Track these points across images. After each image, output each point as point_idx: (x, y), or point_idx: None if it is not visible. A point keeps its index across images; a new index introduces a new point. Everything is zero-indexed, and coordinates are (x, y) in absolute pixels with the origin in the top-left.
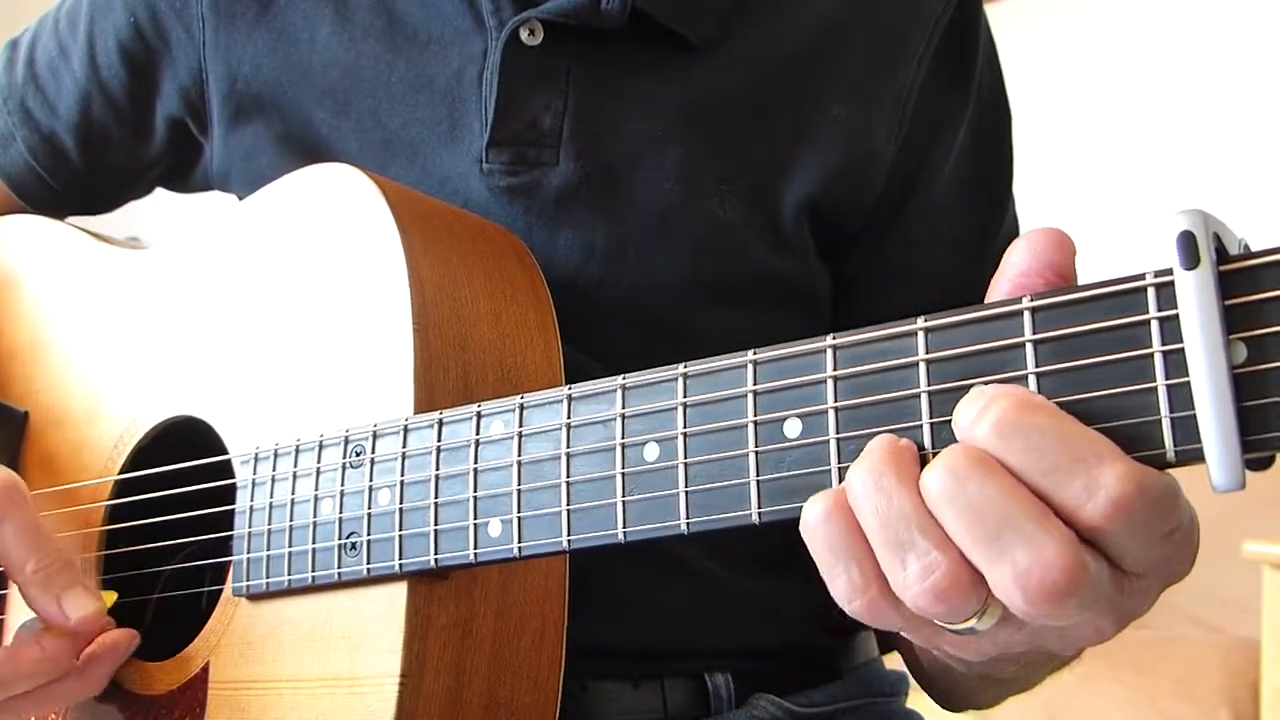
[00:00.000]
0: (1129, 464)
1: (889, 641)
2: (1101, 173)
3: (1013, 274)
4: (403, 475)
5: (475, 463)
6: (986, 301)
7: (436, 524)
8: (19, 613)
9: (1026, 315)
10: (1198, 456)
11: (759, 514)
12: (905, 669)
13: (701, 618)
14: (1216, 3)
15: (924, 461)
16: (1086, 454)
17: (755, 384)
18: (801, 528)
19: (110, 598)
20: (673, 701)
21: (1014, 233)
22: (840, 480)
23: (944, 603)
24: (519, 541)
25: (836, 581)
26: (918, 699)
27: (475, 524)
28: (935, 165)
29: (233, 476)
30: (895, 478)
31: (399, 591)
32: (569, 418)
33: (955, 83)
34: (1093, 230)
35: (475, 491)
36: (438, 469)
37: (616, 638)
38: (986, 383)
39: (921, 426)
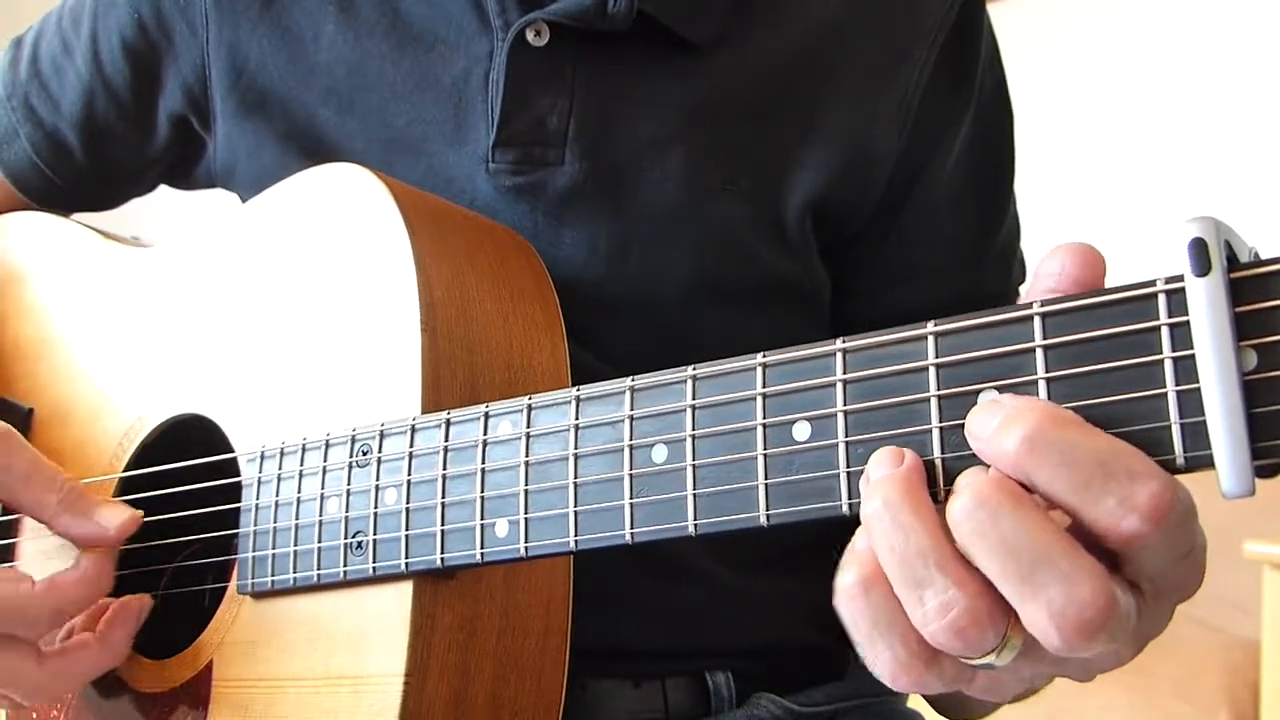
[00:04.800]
0: (1161, 481)
1: None
2: (1104, 174)
3: (1047, 285)
4: (409, 475)
5: (483, 463)
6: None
7: (443, 524)
8: (32, 536)
9: (1037, 320)
10: (1207, 463)
11: (767, 517)
12: None
13: (702, 617)
14: (1220, 2)
15: (930, 468)
16: (1119, 470)
17: (764, 386)
18: (837, 598)
19: (138, 514)
20: (674, 701)
21: (1015, 233)
22: (849, 484)
23: (962, 639)
24: (526, 542)
25: (879, 659)
26: (918, 698)
27: (482, 524)
28: (937, 165)
29: (238, 474)
30: (912, 512)
31: (404, 591)
32: (577, 419)
33: (958, 84)
34: (1094, 231)
35: (482, 492)
36: (445, 469)
37: (617, 637)
38: (998, 388)
39: (931, 431)
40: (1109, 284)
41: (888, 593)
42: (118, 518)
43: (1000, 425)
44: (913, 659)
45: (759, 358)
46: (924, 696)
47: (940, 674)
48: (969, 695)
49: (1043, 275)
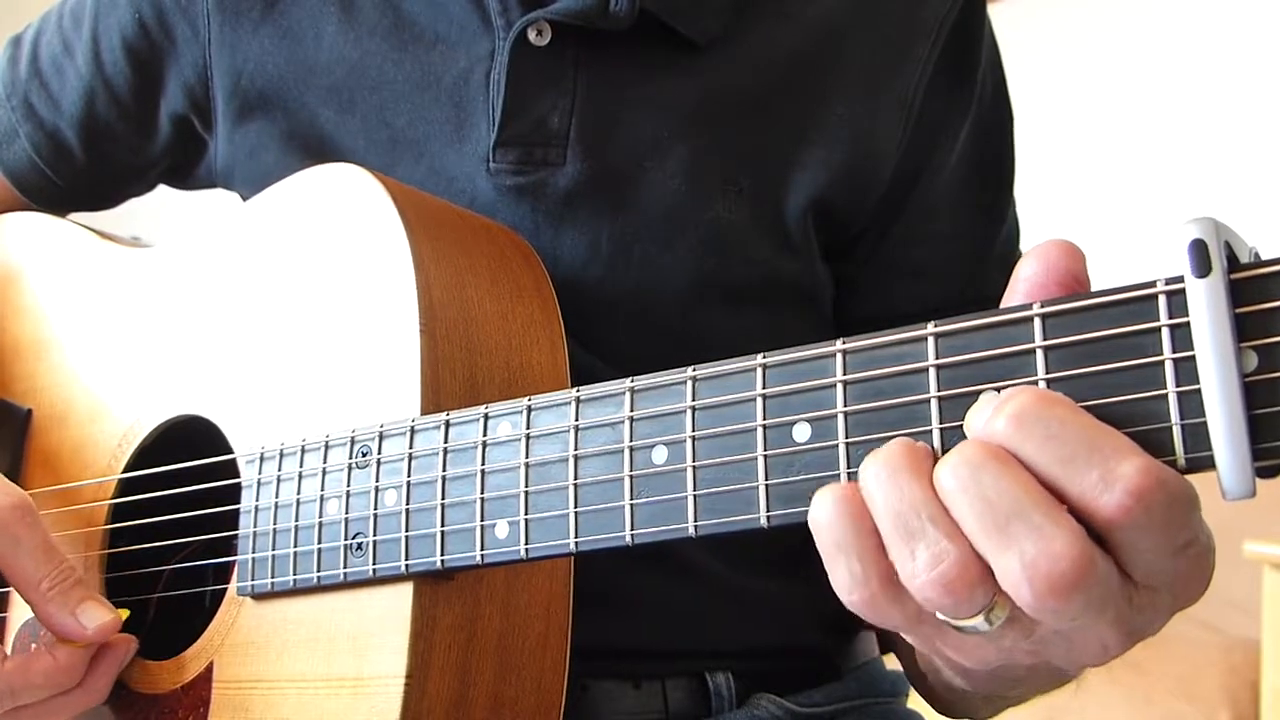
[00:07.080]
0: (1148, 459)
1: (889, 642)
2: (1103, 174)
3: (1025, 288)
4: (409, 476)
5: (482, 464)
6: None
7: (443, 525)
8: (19, 611)
9: (1037, 321)
10: (1208, 464)
11: (767, 518)
12: None
13: (703, 618)
14: (1219, 1)
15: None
16: (1105, 446)
17: (764, 388)
18: (810, 520)
19: (123, 614)
20: (674, 701)
21: (1014, 233)
22: None
23: (951, 594)
24: (526, 543)
25: (837, 573)
26: (918, 699)
27: (482, 526)
28: (937, 165)
29: (237, 476)
30: (910, 472)
31: (404, 592)
32: (577, 420)
33: (958, 84)
34: (1094, 232)
35: (482, 493)
36: (444, 470)
37: (618, 638)
38: (998, 389)
39: (931, 432)
40: (1109, 285)
41: (853, 515)
42: (99, 619)
43: (993, 411)
44: (868, 576)
45: (759, 359)
46: (925, 699)
47: (902, 607)
48: (969, 692)
49: (1024, 276)
